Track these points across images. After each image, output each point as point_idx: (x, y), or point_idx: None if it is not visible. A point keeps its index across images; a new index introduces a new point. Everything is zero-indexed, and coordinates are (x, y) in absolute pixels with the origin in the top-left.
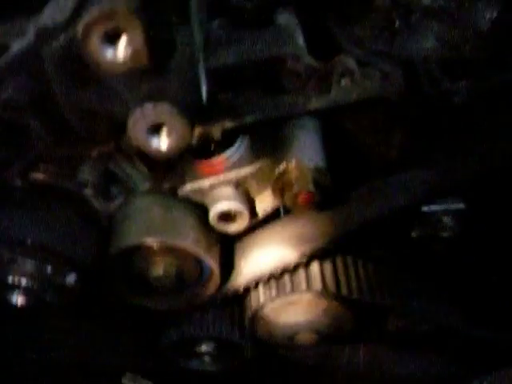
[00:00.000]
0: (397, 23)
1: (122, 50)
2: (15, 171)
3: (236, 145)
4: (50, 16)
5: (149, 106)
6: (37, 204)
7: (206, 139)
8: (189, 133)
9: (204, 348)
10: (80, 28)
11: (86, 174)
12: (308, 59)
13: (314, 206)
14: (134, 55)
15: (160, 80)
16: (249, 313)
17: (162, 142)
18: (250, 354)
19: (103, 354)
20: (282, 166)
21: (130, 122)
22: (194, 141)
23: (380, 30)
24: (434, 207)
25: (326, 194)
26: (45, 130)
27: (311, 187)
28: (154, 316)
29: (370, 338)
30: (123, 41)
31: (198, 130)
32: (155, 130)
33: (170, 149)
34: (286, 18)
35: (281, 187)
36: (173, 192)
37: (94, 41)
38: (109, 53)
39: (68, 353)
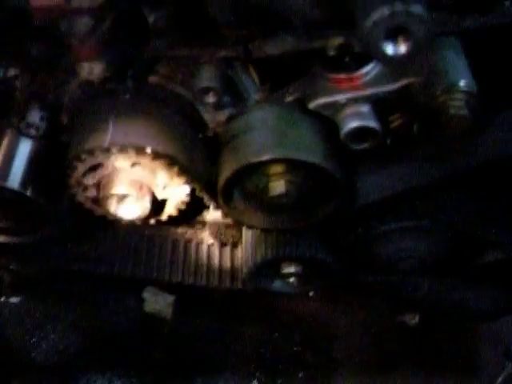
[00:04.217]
0: None
1: None
2: (130, 72)
3: (375, 61)
4: None
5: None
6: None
7: (343, 51)
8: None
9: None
10: None
11: (205, 79)
12: None
13: (465, 130)
14: None
15: None
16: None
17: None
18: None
19: None
20: (437, 88)
21: (366, 24)
22: (332, 52)
23: None
24: None
25: (476, 119)
26: (171, 24)
27: (465, 111)
28: None
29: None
30: None
31: (338, 40)
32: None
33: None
34: None
35: (428, 109)
36: (299, 105)
37: None
38: None
39: None
